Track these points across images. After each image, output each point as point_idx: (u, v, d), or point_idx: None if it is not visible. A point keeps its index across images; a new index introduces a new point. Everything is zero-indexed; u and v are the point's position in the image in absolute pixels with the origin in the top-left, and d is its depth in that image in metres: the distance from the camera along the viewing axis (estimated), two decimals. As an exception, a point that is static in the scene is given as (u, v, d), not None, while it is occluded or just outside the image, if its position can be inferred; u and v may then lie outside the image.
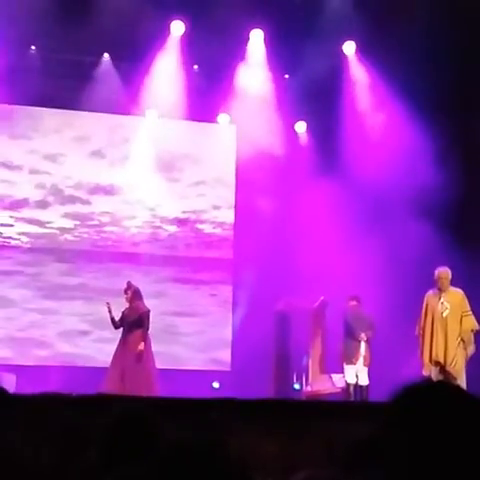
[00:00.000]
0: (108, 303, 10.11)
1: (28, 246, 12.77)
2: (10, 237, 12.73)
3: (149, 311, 10.21)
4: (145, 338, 10.06)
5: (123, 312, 10.24)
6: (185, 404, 5.90)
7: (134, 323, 10.08)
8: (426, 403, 1.46)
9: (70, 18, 10.83)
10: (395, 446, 1.43)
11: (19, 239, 12.76)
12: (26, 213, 12.79)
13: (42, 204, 12.89)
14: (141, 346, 9.93)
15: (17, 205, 12.77)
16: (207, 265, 13.29)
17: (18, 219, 12.77)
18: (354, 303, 10.35)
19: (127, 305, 10.26)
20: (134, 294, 10.26)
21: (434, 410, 1.44)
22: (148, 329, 10.13)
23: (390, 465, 1.44)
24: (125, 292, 10.32)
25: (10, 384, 11.12)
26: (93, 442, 2.98)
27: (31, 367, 11.48)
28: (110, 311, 10.10)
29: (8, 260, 12.58)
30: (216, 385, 12.57)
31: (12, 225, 12.74)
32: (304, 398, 10.66)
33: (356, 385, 10.05)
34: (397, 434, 1.44)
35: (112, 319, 10.16)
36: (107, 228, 13.08)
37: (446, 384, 1.55)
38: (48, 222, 12.88)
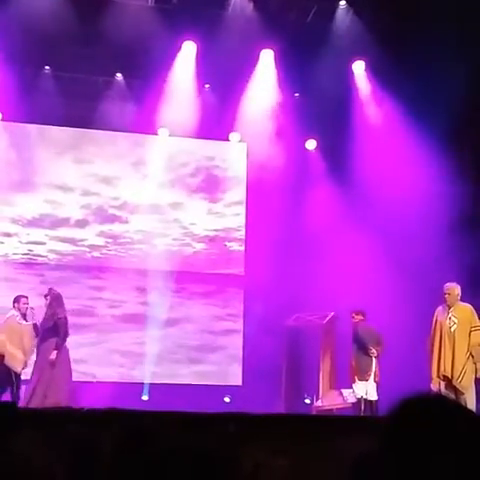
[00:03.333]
0: (32, 308, 9.85)
1: (54, 263, 12.92)
2: (39, 254, 12.88)
3: (65, 318, 9.76)
4: (59, 346, 9.59)
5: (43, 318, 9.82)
6: (198, 418, 5.99)
7: (49, 330, 9.65)
8: (418, 417, 1.45)
9: (83, 38, 11.02)
10: (386, 460, 1.43)
11: (46, 256, 12.91)
12: (63, 232, 12.98)
13: (81, 223, 13.09)
14: (53, 355, 9.49)
15: (56, 224, 12.96)
16: (220, 281, 13.43)
17: (52, 237, 12.94)
18: (361, 318, 10.37)
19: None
20: (53, 300, 9.83)
21: (426, 424, 1.43)
22: (64, 337, 9.68)
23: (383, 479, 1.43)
24: (45, 297, 9.93)
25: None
26: (104, 457, 3.05)
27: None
28: (32, 317, 9.80)
29: (33, 276, 12.67)
30: (227, 399, 12.66)
31: (44, 243, 12.90)
32: (314, 413, 10.72)
33: (365, 400, 10.10)
34: (389, 449, 1.44)
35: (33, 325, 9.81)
36: (137, 246, 13.24)
37: (443, 399, 1.54)
38: (81, 240, 13.06)
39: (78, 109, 12.47)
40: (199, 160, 13.63)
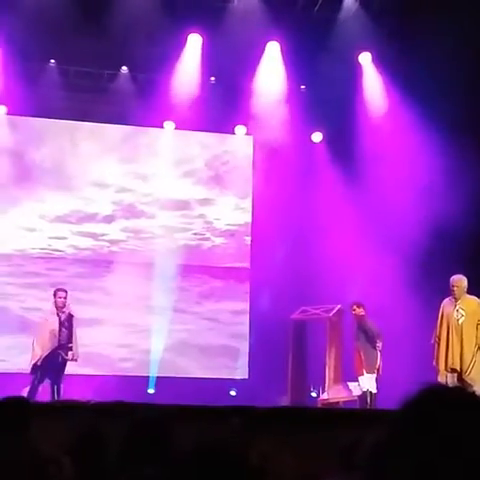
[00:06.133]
0: None
1: (71, 257, 12.93)
2: (56, 249, 12.89)
3: None
4: None
5: None
6: (204, 411, 5.99)
7: None
8: (437, 408, 1.42)
9: (88, 31, 10.99)
10: (403, 450, 1.40)
11: (64, 250, 12.92)
12: (87, 227, 12.99)
13: (108, 218, 13.09)
14: None
15: (82, 220, 12.97)
16: (227, 275, 13.43)
17: (75, 233, 12.95)
18: (363, 310, 10.36)
19: None
20: None
21: (445, 415, 1.40)
22: None
23: (397, 471, 1.40)
24: None
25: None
26: (111, 449, 3.04)
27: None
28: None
29: (51, 271, 12.67)
30: (233, 393, 12.66)
31: (65, 238, 12.91)
32: (320, 406, 10.71)
33: (370, 393, 10.09)
34: (406, 439, 1.41)
35: None
36: (157, 240, 13.23)
37: (461, 389, 1.52)
38: (102, 234, 13.06)
39: (83, 102, 12.48)
40: (205, 153, 13.59)
